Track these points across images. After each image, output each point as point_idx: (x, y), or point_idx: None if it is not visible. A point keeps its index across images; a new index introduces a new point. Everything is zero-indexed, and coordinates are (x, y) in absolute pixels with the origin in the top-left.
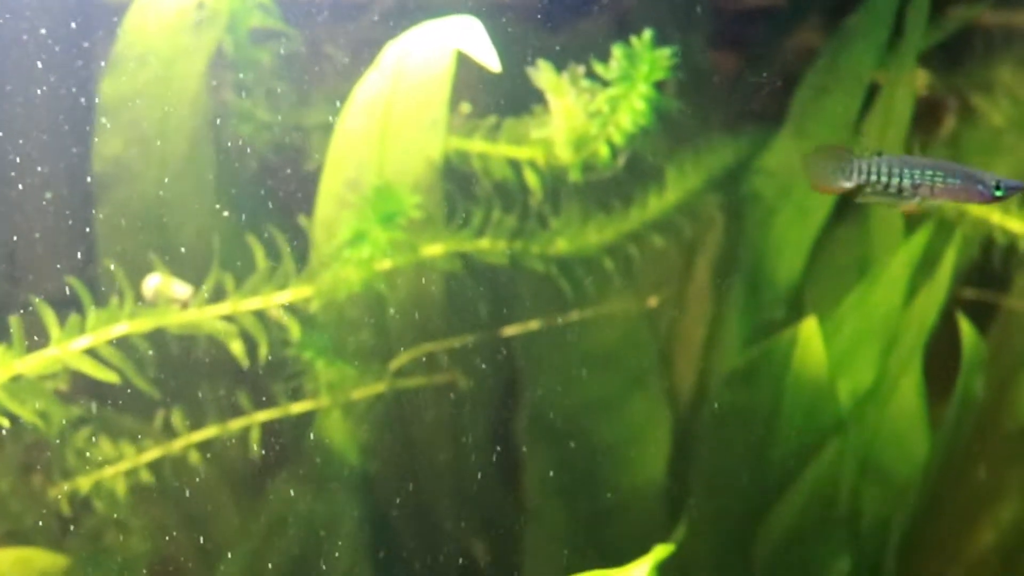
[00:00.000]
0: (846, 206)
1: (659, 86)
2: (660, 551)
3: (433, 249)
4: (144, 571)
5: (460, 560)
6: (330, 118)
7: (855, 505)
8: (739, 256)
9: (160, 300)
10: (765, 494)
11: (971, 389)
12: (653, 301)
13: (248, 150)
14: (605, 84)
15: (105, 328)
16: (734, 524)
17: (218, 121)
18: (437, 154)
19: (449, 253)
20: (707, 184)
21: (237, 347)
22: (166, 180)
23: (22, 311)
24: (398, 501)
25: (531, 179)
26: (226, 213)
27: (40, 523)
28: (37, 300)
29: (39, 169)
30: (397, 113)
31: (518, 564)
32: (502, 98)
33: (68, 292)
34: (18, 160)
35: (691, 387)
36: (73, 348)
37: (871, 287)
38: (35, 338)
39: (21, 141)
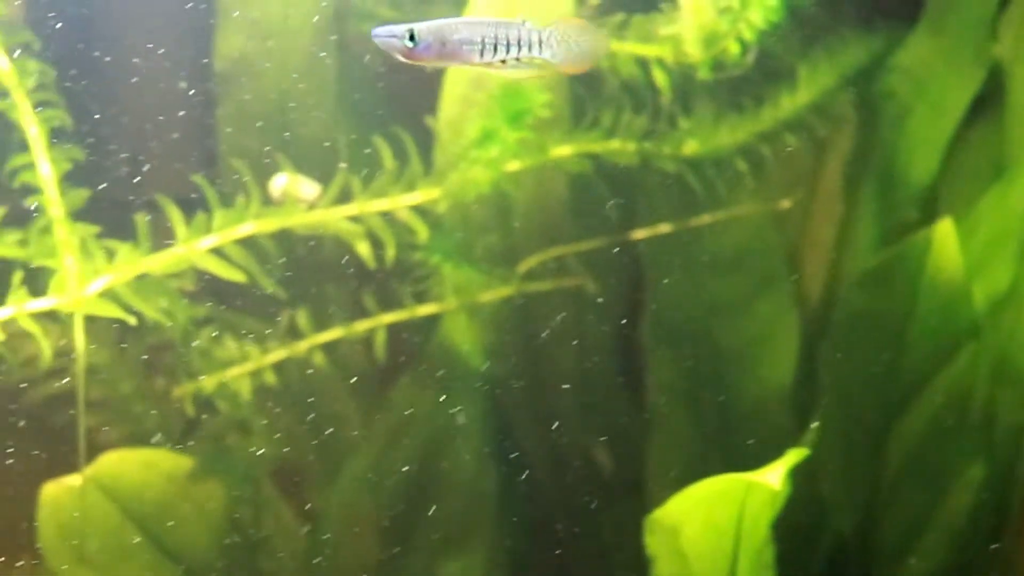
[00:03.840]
0: (983, 105)
1: None
2: (794, 455)
3: (562, 150)
4: (267, 473)
5: (583, 466)
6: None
7: (989, 411)
8: (872, 156)
9: (287, 200)
10: (897, 399)
11: None
12: (784, 202)
13: (370, 48)
14: None
15: (231, 227)
16: (864, 430)
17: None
18: None
19: (578, 154)
20: (840, 82)
21: (364, 248)
22: (288, 78)
23: (147, 211)
24: (522, 406)
25: (659, 77)
26: (349, 112)
27: (163, 425)
28: (162, 199)
29: (161, 69)
30: (522, 8)
31: (641, 470)
32: None
33: (189, 193)
34: (140, 60)
35: (820, 290)
36: (199, 247)
37: (1008, 188)
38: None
39: (143, 40)
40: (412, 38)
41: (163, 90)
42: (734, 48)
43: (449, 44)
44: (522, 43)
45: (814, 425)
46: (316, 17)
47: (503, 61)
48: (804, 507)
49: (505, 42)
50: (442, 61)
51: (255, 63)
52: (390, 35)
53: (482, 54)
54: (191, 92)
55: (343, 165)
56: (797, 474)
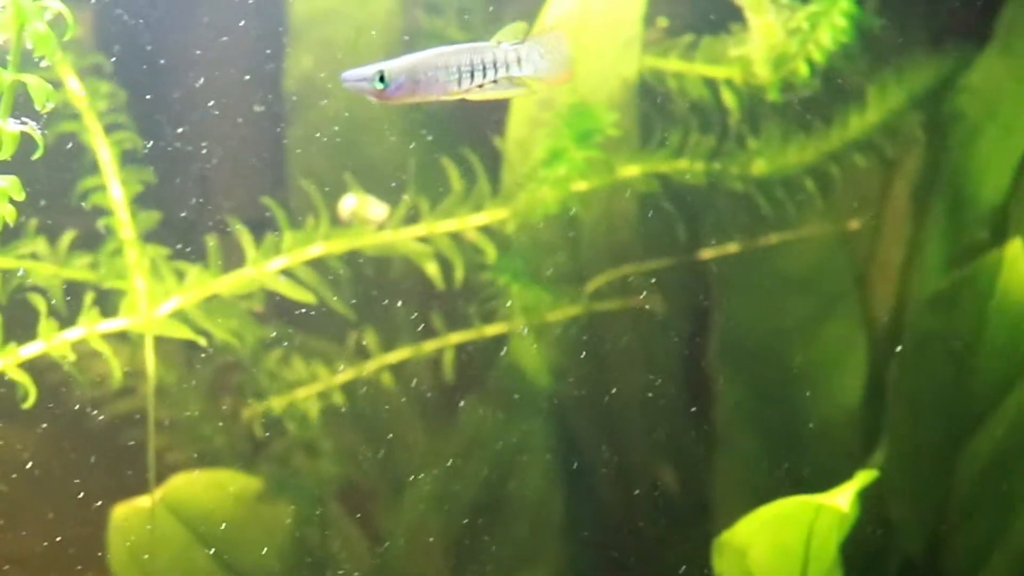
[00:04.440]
0: None
1: (860, 1)
2: (864, 476)
3: (630, 169)
4: (335, 494)
5: (650, 486)
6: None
7: None
8: (941, 176)
9: (356, 221)
10: (966, 422)
11: None
12: (853, 223)
13: None
14: (805, 0)
15: (301, 249)
16: (933, 451)
17: (409, 40)
18: (632, 73)
19: (646, 174)
20: (909, 103)
21: (432, 269)
22: (358, 99)
23: (217, 232)
24: (589, 425)
25: (728, 98)
26: (418, 133)
27: (232, 445)
28: (233, 220)
29: (232, 90)
30: (590, 30)
31: (709, 491)
32: (699, 16)
33: (257, 214)
34: (211, 81)
35: (889, 311)
36: (269, 269)
37: None
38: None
39: (214, 61)
40: (382, 79)
41: (233, 111)
42: (803, 69)
43: (423, 80)
44: (498, 64)
45: None
46: (386, 37)
47: (480, 86)
48: (873, 529)
49: (481, 66)
50: (417, 97)
51: (325, 84)
52: (360, 79)
53: (460, 83)
54: (262, 113)
55: (405, 196)
56: (866, 496)
